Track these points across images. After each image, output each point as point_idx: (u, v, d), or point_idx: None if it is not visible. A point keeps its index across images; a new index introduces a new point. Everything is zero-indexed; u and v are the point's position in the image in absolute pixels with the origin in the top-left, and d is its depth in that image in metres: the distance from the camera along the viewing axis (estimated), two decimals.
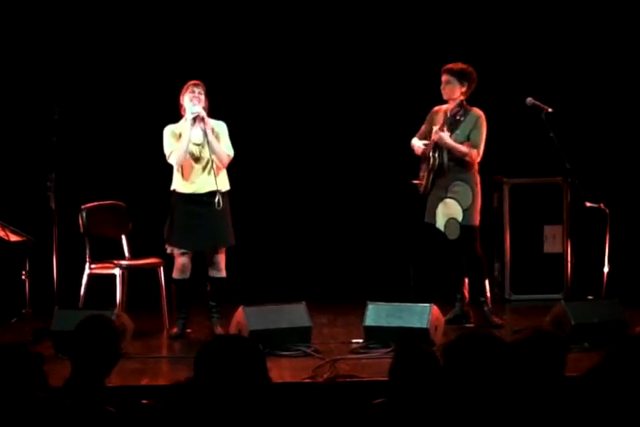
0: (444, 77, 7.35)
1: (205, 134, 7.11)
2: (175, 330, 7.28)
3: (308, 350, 6.61)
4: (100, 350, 4.02)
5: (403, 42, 9.06)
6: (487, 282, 7.52)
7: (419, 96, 8.08)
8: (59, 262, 7.24)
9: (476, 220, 7.42)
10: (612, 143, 9.07)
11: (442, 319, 6.91)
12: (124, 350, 5.29)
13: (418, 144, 7.51)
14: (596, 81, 9.06)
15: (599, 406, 3.62)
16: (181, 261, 7.24)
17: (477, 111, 7.39)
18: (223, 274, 7.27)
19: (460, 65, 7.36)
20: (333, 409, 3.61)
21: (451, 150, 7.33)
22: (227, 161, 7.21)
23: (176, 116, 7.24)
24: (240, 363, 3.27)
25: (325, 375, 5.89)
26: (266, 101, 9.07)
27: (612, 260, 7.35)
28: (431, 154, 7.36)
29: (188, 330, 7.35)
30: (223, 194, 7.18)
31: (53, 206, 7.21)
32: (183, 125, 7.16)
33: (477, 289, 7.50)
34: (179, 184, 7.22)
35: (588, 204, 7.34)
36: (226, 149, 7.20)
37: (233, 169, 7.40)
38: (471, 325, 7.42)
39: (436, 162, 7.35)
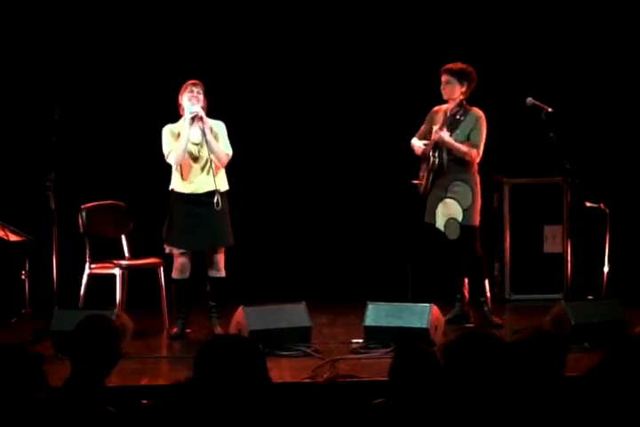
0: (444, 77, 7.35)
1: (204, 134, 7.11)
2: (175, 330, 7.28)
3: (308, 350, 6.61)
4: (100, 350, 4.02)
5: (403, 42, 9.06)
6: (487, 282, 7.52)
7: (419, 96, 8.08)
8: (59, 262, 7.24)
9: (476, 220, 7.42)
10: (612, 143, 9.07)
11: (442, 319, 6.90)
12: (123, 350, 5.28)
13: (418, 144, 7.51)
14: (596, 81, 9.06)
15: (599, 406, 3.61)
16: (180, 261, 7.23)
17: (477, 111, 7.39)
18: (222, 274, 7.27)
19: (459, 65, 7.36)
20: (333, 409, 3.61)
21: (451, 150, 7.33)
22: (225, 160, 7.20)
23: (175, 115, 7.24)
24: (240, 363, 3.27)
25: (325, 375, 5.89)
26: (265, 101, 9.07)
27: (612, 260, 7.35)
28: (431, 154, 7.36)
29: (188, 330, 7.35)
30: (222, 194, 7.18)
31: (53, 206, 7.21)
32: (182, 125, 7.16)
33: (477, 289, 7.50)
34: (177, 184, 7.22)
35: (588, 204, 7.34)
36: (224, 148, 7.20)
37: (233, 169, 7.40)
38: (471, 325, 7.41)
39: (436, 162, 7.35)
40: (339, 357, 6.44)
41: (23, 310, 7.15)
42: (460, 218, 7.35)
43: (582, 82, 9.05)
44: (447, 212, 7.37)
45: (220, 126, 7.27)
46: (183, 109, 7.16)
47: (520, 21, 9.06)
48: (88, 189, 8.40)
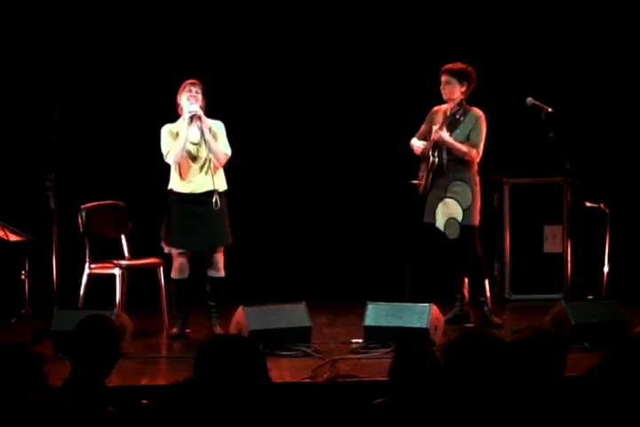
0: (444, 78, 7.35)
1: (203, 133, 7.11)
2: (175, 330, 7.28)
3: (308, 350, 6.61)
4: (100, 350, 4.02)
5: (403, 42, 9.06)
6: (487, 282, 7.52)
7: (419, 96, 8.07)
8: (58, 262, 7.23)
9: (476, 220, 7.42)
10: (612, 143, 9.07)
11: (442, 319, 6.90)
12: (123, 349, 5.29)
13: (417, 144, 7.51)
14: (596, 81, 9.06)
15: (599, 406, 3.61)
16: (179, 261, 7.23)
17: (477, 111, 7.39)
18: (222, 274, 7.27)
19: (458, 65, 7.36)
20: (333, 409, 3.61)
21: (451, 149, 7.33)
22: (224, 160, 7.20)
23: (174, 115, 7.24)
24: (240, 363, 3.27)
25: (325, 375, 5.89)
26: (264, 101, 9.07)
27: (612, 260, 7.35)
28: (430, 153, 7.36)
29: (188, 330, 7.35)
30: (221, 194, 7.18)
31: (53, 206, 7.21)
32: (180, 124, 7.16)
33: (477, 289, 7.49)
34: (176, 184, 7.22)
35: (588, 204, 7.34)
36: (223, 147, 7.20)
37: (233, 169, 7.40)
38: (471, 325, 7.41)
39: (436, 162, 7.35)
40: (339, 357, 6.44)
41: (23, 310, 7.15)
42: (459, 218, 7.35)
43: (582, 82, 9.05)
44: (447, 211, 7.37)
45: (218, 126, 7.27)
46: (182, 109, 7.17)
47: (520, 21, 9.06)
48: (88, 189, 8.40)
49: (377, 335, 6.72)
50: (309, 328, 6.83)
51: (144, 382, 5.85)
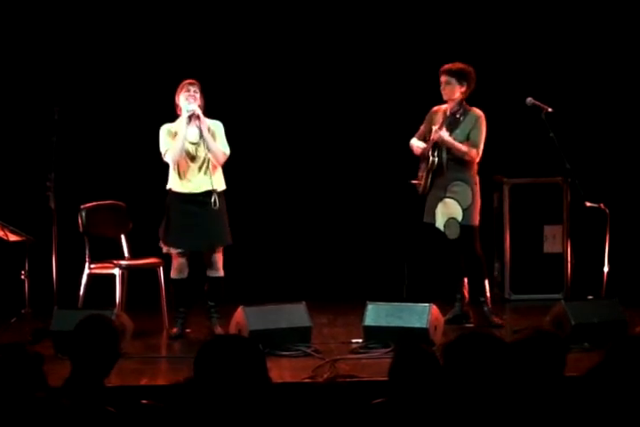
0: (443, 78, 7.34)
1: (201, 132, 7.11)
2: (175, 330, 7.28)
3: (308, 350, 6.61)
4: (100, 350, 4.02)
5: (402, 42, 9.06)
6: (487, 282, 7.52)
7: (419, 96, 8.07)
8: (58, 262, 7.23)
9: (476, 220, 7.42)
10: (612, 143, 9.07)
11: (441, 319, 6.90)
12: (123, 349, 5.28)
13: (417, 144, 7.51)
14: (596, 81, 9.06)
15: (599, 406, 3.61)
16: (178, 260, 7.24)
17: (477, 111, 7.39)
18: (221, 273, 7.27)
19: (458, 65, 7.35)
20: (333, 409, 3.61)
21: (450, 149, 7.33)
22: (223, 159, 7.20)
23: (174, 116, 7.24)
24: (240, 363, 3.27)
25: (325, 375, 5.89)
26: (263, 100, 9.06)
27: (612, 260, 7.35)
28: (430, 153, 7.36)
29: (188, 330, 7.35)
30: (219, 193, 7.19)
31: (53, 206, 7.20)
32: (179, 124, 7.17)
33: (477, 289, 7.49)
34: (175, 183, 7.22)
35: (588, 204, 7.34)
36: (222, 147, 7.20)
37: (233, 168, 7.40)
38: (471, 325, 7.41)
39: (435, 161, 7.35)
40: (339, 357, 6.44)
41: (23, 310, 7.14)
42: (459, 218, 7.34)
43: (582, 82, 9.05)
44: (447, 211, 7.37)
45: (217, 126, 7.27)
46: (180, 109, 7.17)
47: (520, 21, 9.06)
48: (88, 189, 8.39)
49: (377, 335, 6.72)
50: (309, 328, 6.83)
51: (144, 382, 5.85)
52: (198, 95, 7.14)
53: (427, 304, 6.74)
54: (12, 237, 7.27)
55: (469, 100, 7.41)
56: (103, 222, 7.74)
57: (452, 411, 3.50)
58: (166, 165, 7.23)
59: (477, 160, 7.39)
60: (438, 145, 7.34)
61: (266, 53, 9.07)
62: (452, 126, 7.35)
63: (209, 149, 7.12)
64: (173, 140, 7.15)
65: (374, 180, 9.07)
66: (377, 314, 6.81)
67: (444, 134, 7.29)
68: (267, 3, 9.07)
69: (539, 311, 7.39)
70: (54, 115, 7.34)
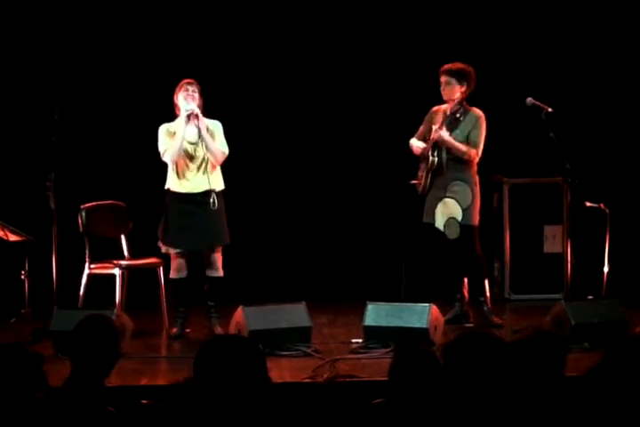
0: (443, 78, 7.34)
1: (200, 132, 7.11)
2: (175, 330, 7.28)
3: (308, 350, 6.61)
4: (100, 350, 4.02)
5: (402, 42, 9.06)
6: (487, 282, 7.52)
7: (418, 96, 8.07)
8: (58, 262, 7.23)
9: (476, 219, 7.42)
10: (612, 143, 9.07)
11: (441, 319, 6.90)
12: (123, 349, 5.28)
13: (417, 144, 7.51)
14: (596, 81, 9.06)
15: (599, 406, 3.61)
16: (177, 260, 7.24)
17: (477, 111, 7.39)
18: (220, 273, 7.27)
19: (458, 65, 7.35)
20: (333, 409, 3.61)
21: (450, 149, 7.33)
22: (221, 159, 7.20)
23: (173, 116, 7.24)
24: (240, 363, 3.27)
25: (325, 375, 5.89)
26: (262, 100, 9.06)
27: (612, 260, 7.35)
28: (430, 153, 7.36)
29: (188, 330, 7.35)
30: (218, 193, 7.19)
31: (53, 206, 7.20)
32: (178, 124, 7.17)
33: (477, 289, 7.49)
34: (173, 183, 7.22)
35: (588, 204, 7.34)
36: (221, 146, 7.20)
37: (233, 168, 7.40)
38: (471, 325, 7.41)
39: (435, 161, 7.35)
40: (339, 357, 6.44)
41: (23, 310, 7.14)
42: (459, 218, 7.34)
43: (582, 82, 9.05)
44: (447, 211, 7.37)
45: (216, 125, 7.27)
46: (179, 109, 7.17)
47: (520, 21, 9.06)
48: (88, 189, 8.40)
49: (377, 335, 6.72)
50: (309, 328, 6.83)
51: (144, 382, 5.85)
52: (197, 95, 7.15)
53: (427, 304, 6.74)
54: (12, 237, 7.27)
55: (469, 100, 7.41)
56: (103, 222, 7.74)
57: (451, 411, 3.50)
58: (166, 165, 7.23)
59: (477, 160, 7.39)
60: (438, 145, 7.34)
61: (265, 53, 9.07)
62: (451, 126, 7.35)
63: (208, 149, 7.12)
64: (172, 139, 7.15)
65: (374, 180, 9.07)
66: (377, 314, 6.81)
67: (444, 134, 7.29)
68: (266, 3, 9.07)
69: (539, 311, 7.39)
70: (54, 115, 7.34)
